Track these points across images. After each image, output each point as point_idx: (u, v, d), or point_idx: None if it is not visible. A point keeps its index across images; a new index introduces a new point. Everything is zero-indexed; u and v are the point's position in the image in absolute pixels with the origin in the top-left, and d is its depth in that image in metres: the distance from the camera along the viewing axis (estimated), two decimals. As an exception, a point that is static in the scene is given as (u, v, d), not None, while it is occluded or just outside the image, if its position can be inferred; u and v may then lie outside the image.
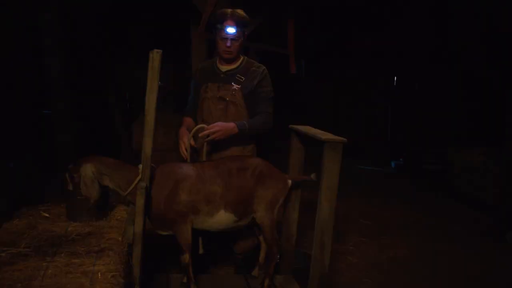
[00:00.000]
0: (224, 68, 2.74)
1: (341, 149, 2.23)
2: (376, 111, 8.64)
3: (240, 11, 2.62)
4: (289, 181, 2.57)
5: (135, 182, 2.19)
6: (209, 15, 3.58)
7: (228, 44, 2.61)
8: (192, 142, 2.59)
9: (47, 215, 2.47)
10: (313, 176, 2.58)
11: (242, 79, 2.69)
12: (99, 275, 1.75)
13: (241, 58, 2.78)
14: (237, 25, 2.58)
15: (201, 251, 2.63)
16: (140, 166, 2.19)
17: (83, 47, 5.64)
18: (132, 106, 7.35)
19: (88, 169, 2.19)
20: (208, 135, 2.54)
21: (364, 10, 7.53)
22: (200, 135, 2.60)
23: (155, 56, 2.07)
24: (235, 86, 2.67)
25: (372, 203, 5.34)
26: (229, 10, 2.60)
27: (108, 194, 2.52)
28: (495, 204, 4.87)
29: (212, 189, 2.37)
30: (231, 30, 2.57)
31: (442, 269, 3.52)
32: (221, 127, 2.54)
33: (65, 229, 2.27)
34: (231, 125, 2.57)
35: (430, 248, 3.93)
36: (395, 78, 8.59)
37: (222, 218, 2.42)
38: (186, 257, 2.37)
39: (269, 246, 2.58)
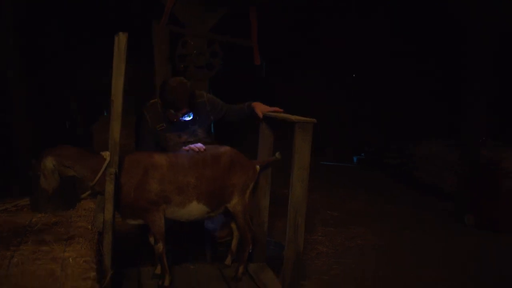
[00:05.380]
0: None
1: (311, 129, 2.27)
2: (337, 107, 8.81)
3: (186, 84, 2.51)
4: (257, 167, 2.59)
5: (102, 169, 2.12)
6: (171, 6, 3.49)
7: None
8: None
9: (8, 207, 2.35)
10: (277, 154, 2.62)
11: (197, 118, 2.62)
12: (70, 260, 1.68)
13: None
14: (192, 110, 2.53)
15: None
16: (105, 153, 2.12)
17: (43, 48, 5.43)
18: (92, 109, 7.15)
19: (48, 162, 2.11)
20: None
21: (324, 8, 7.66)
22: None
23: (121, 38, 2.01)
24: (193, 127, 2.63)
25: (338, 195, 5.45)
26: (180, 97, 2.47)
27: (75, 185, 2.42)
28: (452, 190, 5.11)
29: (185, 180, 2.33)
30: (188, 118, 2.54)
31: (409, 251, 3.64)
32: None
33: (29, 220, 2.17)
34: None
35: (395, 234, 4.06)
36: (354, 75, 8.82)
37: (194, 209, 2.39)
38: (160, 246, 2.31)
39: (242, 232, 2.57)
